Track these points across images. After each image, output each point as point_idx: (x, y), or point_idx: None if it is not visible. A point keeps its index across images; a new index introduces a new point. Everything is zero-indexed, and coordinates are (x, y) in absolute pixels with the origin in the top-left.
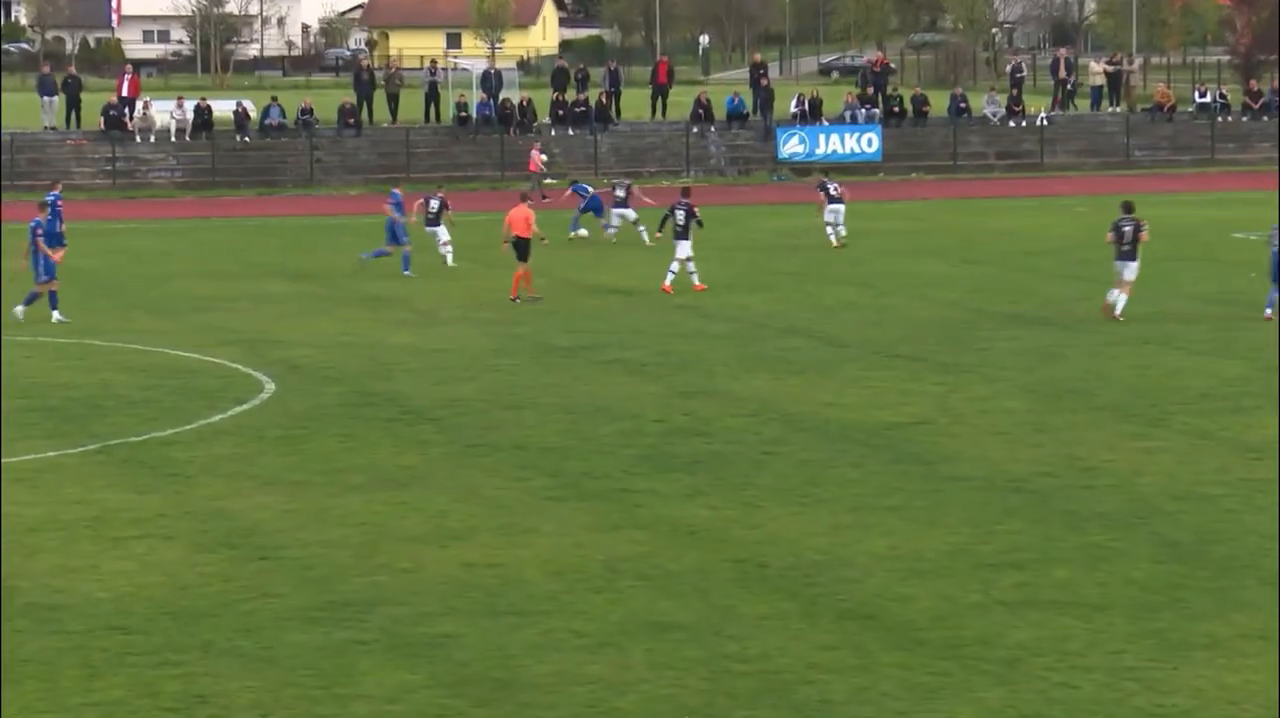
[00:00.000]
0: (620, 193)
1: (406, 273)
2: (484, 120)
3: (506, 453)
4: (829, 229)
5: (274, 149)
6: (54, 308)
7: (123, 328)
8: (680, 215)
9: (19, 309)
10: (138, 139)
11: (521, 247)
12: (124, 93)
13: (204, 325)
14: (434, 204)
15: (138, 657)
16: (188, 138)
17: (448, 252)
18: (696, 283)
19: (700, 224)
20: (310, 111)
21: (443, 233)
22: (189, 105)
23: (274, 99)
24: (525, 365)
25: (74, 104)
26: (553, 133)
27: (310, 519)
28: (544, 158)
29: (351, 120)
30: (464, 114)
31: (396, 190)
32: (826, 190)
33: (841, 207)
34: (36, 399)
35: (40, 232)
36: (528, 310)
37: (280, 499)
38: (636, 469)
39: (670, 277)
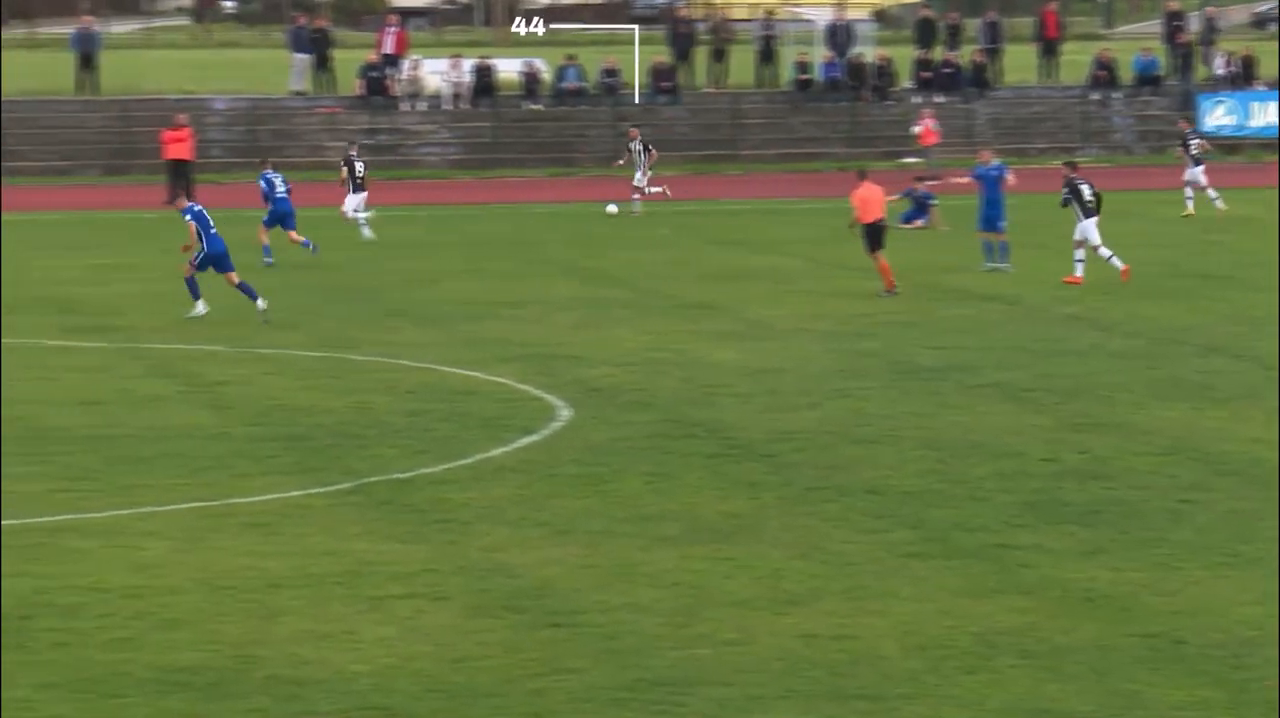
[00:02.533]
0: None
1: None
2: (830, 84)
3: (856, 498)
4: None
5: (570, 120)
6: (197, 297)
7: (383, 339)
8: (1087, 190)
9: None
10: (403, 107)
11: (876, 233)
12: (387, 50)
13: (482, 337)
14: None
15: None
16: (465, 105)
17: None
18: (1077, 274)
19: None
20: (615, 73)
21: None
22: (466, 65)
23: (570, 58)
24: (878, 390)
25: (325, 64)
26: (916, 100)
27: (613, 577)
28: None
29: (666, 84)
30: (805, 76)
31: (270, 171)
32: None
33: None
34: (278, 427)
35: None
36: (882, 321)
37: (575, 553)
38: (1019, 520)
39: (1079, 266)
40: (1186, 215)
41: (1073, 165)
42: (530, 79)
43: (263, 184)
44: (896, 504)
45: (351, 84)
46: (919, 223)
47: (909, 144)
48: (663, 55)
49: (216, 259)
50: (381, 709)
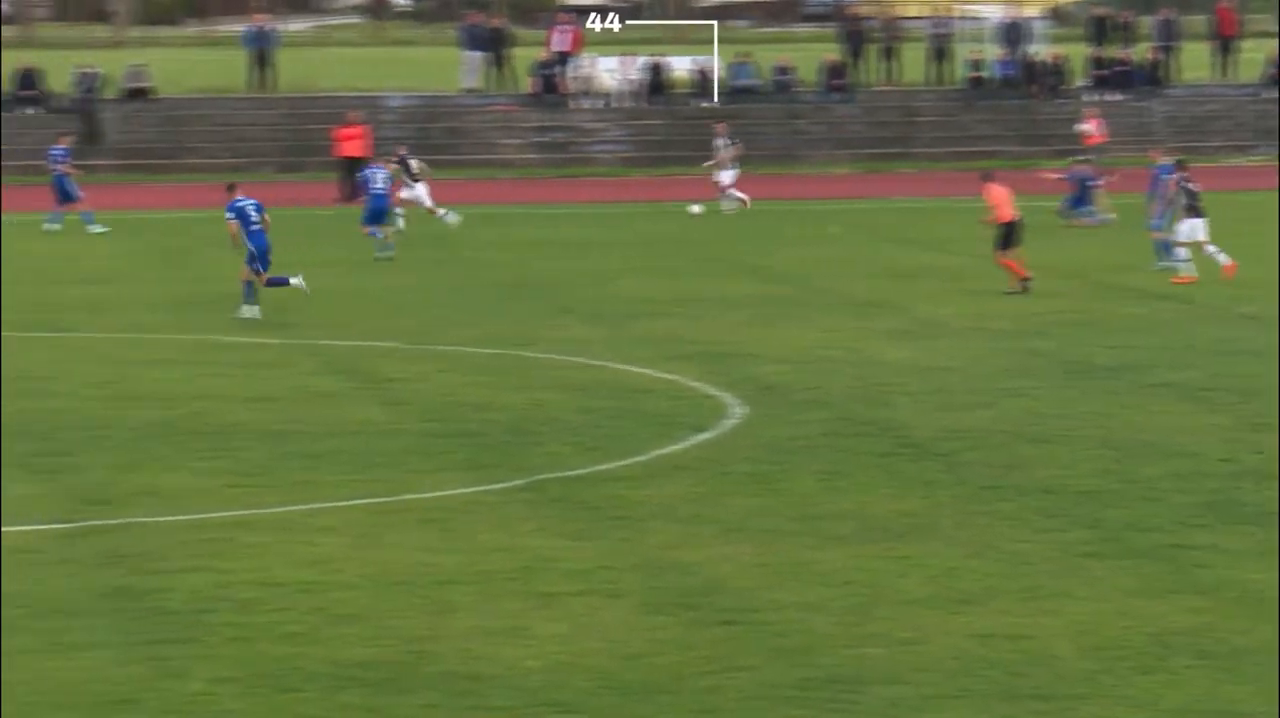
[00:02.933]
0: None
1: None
2: (1004, 83)
3: (1031, 498)
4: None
5: (743, 117)
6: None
7: (556, 337)
8: (1193, 191)
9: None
10: (576, 104)
11: (1011, 231)
12: (559, 47)
13: (654, 334)
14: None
15: None
16: (637, 103)
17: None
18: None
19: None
20: (789, 71)
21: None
22: (639, 63)
23: (743, 56)
24: (1052, 389)
25: (499, 62)
26: (1090, 98)
27: (785, 576)
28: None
29: (839, 82)
30: (978, 75)
31: (61, 146)
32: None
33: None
34: (451, 423)
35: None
36: (1054, 320)
37: (749, 551)
38: (1196, 520)
39: (1188, 266)
40: None
41: (1181, 165)
42: (702, 77)
43: (368, 177)
44: (1071, 504)
45: (525, 82)
46: (1087, 219)
47: (1078, 143)
48: (835, 53)
49: (259, 255)
50: (555, 705)
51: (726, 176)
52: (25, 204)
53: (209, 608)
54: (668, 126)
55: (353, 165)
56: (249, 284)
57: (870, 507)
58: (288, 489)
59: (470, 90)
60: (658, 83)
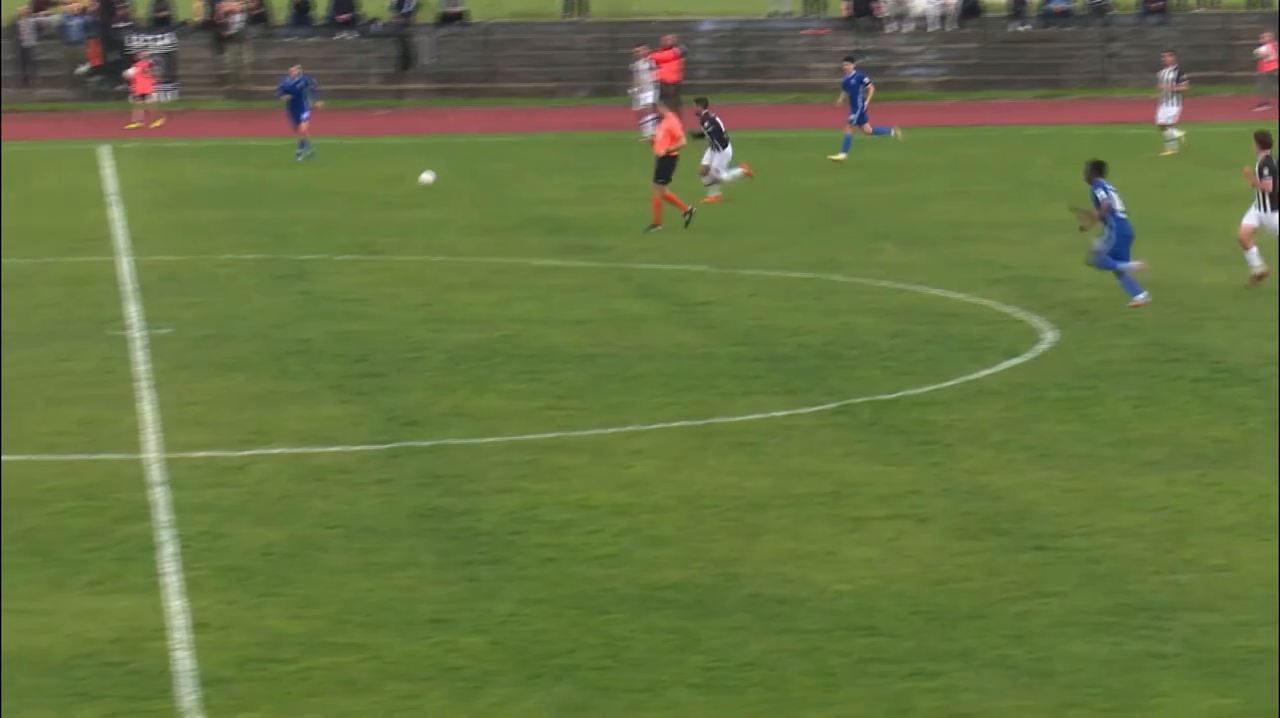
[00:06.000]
0: None
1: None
2: None
3: None
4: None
5: (1058, 40)
6: None
7: (866, 261)
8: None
9: None
10: (890, 28)
11: None
12: None
13: (967, 259)
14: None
15: (884, 664)
16: (951, 26)
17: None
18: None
19: None
20: None
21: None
22: None
23: None
24: None
25: None
26: None
27: (1096, 502)
28: None
29: (1156, 4)
30: None
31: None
32: None
33: None
34: (762, 347)
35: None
36: None
37: (1059, 476)
38: None
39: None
40: None
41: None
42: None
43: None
44: None
45: (838, 5)
46: None
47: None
48: None
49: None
50: (863, 629)
51: (1166, 113)
52: (341, 128)
53: (521, 530)
54: (982, 50)
55: (666, 90)
56: None
57: (1183, 432)
58: (600, 412)
59: (779, 14)
60: (972, 5)
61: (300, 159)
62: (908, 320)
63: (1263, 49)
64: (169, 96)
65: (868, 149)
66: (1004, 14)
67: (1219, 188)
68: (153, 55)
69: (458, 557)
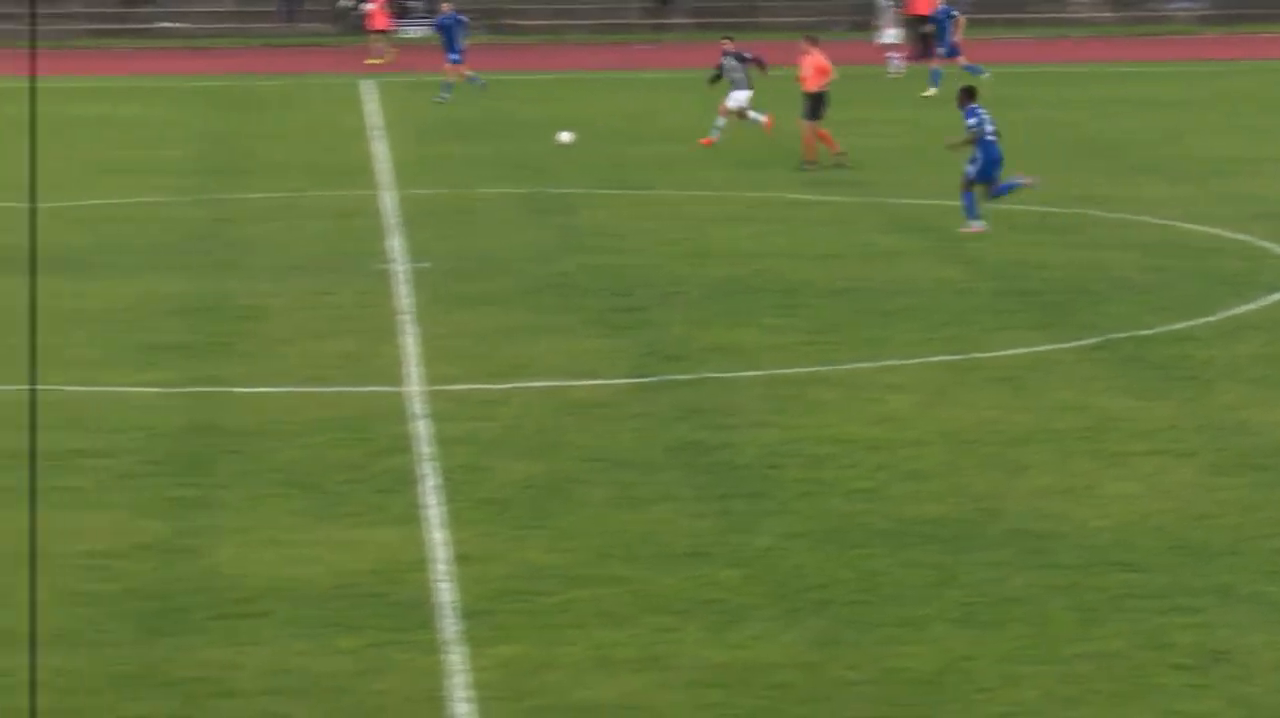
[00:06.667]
0: None
1: None
2: None
3: None
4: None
5: None
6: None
7: (1125, 195)
8: None
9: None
10: None
11: None
12: None
13: (1228, 194)
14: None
15: (1141, 600)
16: None
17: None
18: None
19: None
20: None
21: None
22: None
23: None
24: None
25: None
26: None
27: None
28: None
29: None
30: None
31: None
32: None
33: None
34: (1021, 282)
35: None
36: None
37: None
38: None
39: None
40: None
41: None
42: None
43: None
44: None
45: None
46: None
47: None
48: None
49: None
50: (1121, 565)
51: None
52: (602, 63)
53: (778, 463)
54: None
55: (920, 24)
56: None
57: None
58: (858, 346)
59: None
60: None
61: (443, 100)
62: (1167, 255)
63: None
64: (418, 33)
65: (1131, 84)
66: None
67: None
68: None
69: (715, 490)
